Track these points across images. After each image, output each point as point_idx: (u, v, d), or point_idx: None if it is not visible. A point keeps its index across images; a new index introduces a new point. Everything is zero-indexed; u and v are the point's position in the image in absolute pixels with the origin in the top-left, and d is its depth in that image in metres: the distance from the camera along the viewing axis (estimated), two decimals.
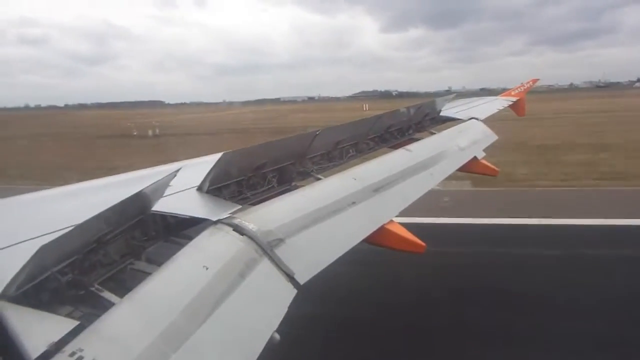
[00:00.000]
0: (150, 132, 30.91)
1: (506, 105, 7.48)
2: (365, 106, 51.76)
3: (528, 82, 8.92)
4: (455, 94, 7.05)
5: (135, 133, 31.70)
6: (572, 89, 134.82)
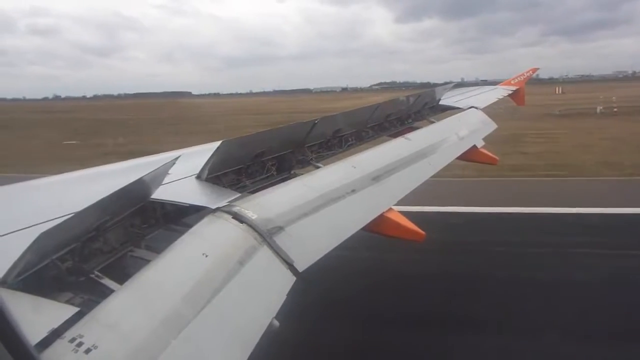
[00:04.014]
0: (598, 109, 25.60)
1: (505, 95, 7.47)
2: (558, 89, 45.24)
3: (527, 72, 8.89)
4: (454, 83, 7.04)
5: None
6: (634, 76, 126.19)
